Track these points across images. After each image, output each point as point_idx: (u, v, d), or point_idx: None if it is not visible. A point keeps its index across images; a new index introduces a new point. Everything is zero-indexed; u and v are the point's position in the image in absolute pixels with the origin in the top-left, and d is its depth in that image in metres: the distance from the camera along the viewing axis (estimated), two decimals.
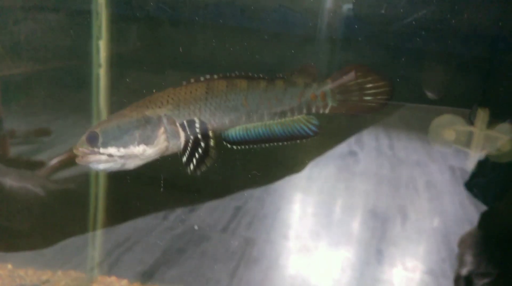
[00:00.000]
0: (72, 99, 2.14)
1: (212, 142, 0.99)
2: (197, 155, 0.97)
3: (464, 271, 1.79)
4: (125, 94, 1.85)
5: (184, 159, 0.98)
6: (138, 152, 0.95)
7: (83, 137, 0.94)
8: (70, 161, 2.45)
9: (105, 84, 1.69)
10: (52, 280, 1.76)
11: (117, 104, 1.83)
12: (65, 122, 2.63)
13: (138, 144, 0.95)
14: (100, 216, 1.87)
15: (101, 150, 0.93)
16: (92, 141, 0.93)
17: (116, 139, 0.94)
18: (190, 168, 0.97)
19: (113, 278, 1.82)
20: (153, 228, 2.19)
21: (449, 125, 1.55)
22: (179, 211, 2.30)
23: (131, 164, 0.98)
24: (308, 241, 2.27)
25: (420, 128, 3.48)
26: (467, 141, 1.64)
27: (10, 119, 2.25)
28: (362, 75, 1.10)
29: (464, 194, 2.63)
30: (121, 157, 0.94)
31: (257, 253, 2.13)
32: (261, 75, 1.08)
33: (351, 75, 1.09)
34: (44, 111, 2.31)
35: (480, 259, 1.80)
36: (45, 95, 2.07)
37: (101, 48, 1.65)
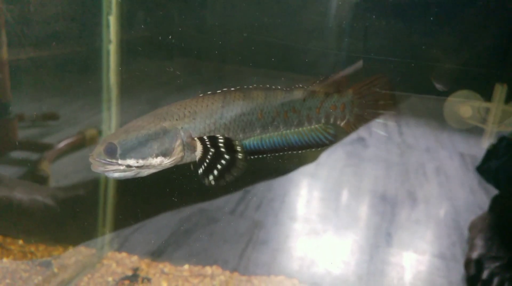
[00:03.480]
0: (81, 84, 2.14)
1: (240, 155, 0.99)
2: (219, 167, 0.97)
3: (475, 255, 1.78)
4: (135, 72, 1.84)
5: (201, 171, 0.97)
6: (156, 163, 0.96)
7: (100, 148, 0.94)
8: (78, 144, 2.46)
9: (115, 60, 1.67)
10: (63, 256, 1.77)
11: (127, 82, 1.82)
12: (73, 107, 2.62)
13: (156, 156, 0.96)
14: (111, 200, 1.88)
15: (120, 161, 0.94)
16: (110, 152, 0.94)
17: (135, 151, 0.94)
18: (208, 179, 0.97)
19: (123, 254, 1.83)
20: (162, 211, 2.19)
21: (465, 101, 1.52)
22: (189, 195, 2.30)
23: (145, 173, 0.99)
24: (317, 224, 2.27)
25: (429, 115, 3.46)
26: (484, 118, 1.61)
27: (19, 103, 2.25)
28: (380, 87, 1.09)
29: (474, 180, 2.62)
30: (138, 167, 0.96)
31: (265, 235, 2.13)
32: (279, 87, 1.06)
33: (373, 87, 1.08)
34: (52, 96, 2.31)
35: (491, 242, 1.79)
36: (53, 79, 2.07)
37: (111, 24, 1.64)
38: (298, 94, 1.07)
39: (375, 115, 1.10)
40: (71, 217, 1.87)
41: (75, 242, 1.84)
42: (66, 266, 1.73)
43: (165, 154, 0.96)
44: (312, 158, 2.54)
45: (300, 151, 1.09)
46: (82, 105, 2.37)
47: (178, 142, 0.98)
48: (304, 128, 1.09)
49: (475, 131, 2.93)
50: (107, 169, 0.94)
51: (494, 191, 2.14)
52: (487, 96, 1.54)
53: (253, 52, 1.38)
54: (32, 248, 1.80)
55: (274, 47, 1.51)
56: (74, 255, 1.78)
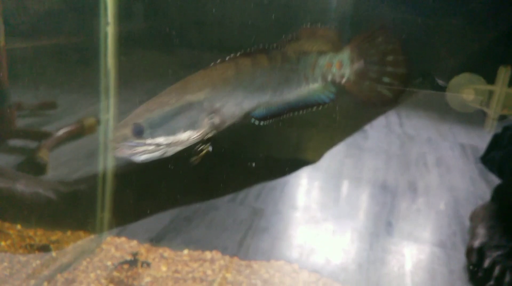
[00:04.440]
0: (79, 74, 2.12)
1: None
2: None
3: (477, 244, 1.77)
4: (133, 52, 1.82)
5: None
6: (184, 139, 0.94)
7: (125, 130, 0.90)
8: (77, 133, 2.45)
9: (112, 42, 1.64)
10: (61, 240, 1.76)
11: (126, 64, 1.79)
12: (71, 96, 2.61)
13: (185, 130, 0.93)
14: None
15: (149, 140, 0.91)
16: (138, 133, 0.90)
17: (163, 127, 0.91)
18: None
19: (122, 239, 1.82)
20: (162, 198, 2.18)
21: (468, 84, 1.51)
22: (189, 184, 2.29)
23: (172, 152, 0.96)
24: (317, 213, 2.26)
25: (430, 107, 3.45)
26: (486, 101, 1.59)
27: (17, 92, 2.23)
28: (384, 40, 1.01)
29: (475, 170, 2.61)
30: (167, 145, 0.93)
31: (265, 223, 2.12)
32: (272, 46, 1.04)
33: (375, 40, 1.01)
34: (50, 85, 2.29)
35: (493, 231, 1.78)
36: (52, 69, 2.05)
37: (109, 5, 1.61)
38: (291, 54, 1.04)
39: (383, 73, 1.02)
40: (71, 204, 1.86)
41: (74, 227, 1.83)
42: (65, 251, 1.71)
43: (193, 128, 0.94)
44: (314, 151, 2.54)
45: (302, 112, 1.06)
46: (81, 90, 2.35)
47: (204, 113, 0.95)
48: (304, 88, 1.07)
49: (476, 122, 2.92)
50: (135, 151, 0.91)
51: (495, 182, 2.13)
52: (491, 78, 1.52)
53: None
54: (31, 233, 1.79)
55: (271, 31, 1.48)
56: (73, 240, 1.76)
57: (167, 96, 0.95)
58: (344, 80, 1.05)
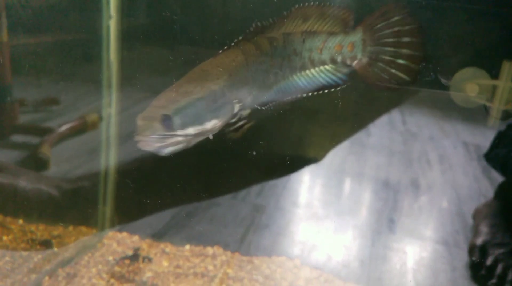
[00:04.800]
0: (83, 71, 2.11)
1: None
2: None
3: (479, 241, 1.76)
4: (136, 47, 1.81)
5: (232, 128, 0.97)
6: (211, 127, 0.92)
7: (153, 123, 0.87)
8: (79, 129, 2.45)
9: (115, 36, 1.64)
10: (63, 235, 1.76)
11: (129, 59, 1.79)
12: (75, 93, 2.60)
13: (211, 119, 0.91)
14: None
15: (179, 131, 0.88)
16: (168, 124, 0.87)
17: (192, 117, 0.89)
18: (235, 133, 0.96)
19: (124, 234, 1.82)
20: (164, 194, 2.18)
21: (472, 78, 1.49)
22: (191, 180, 2.29)
23: (195, 142, 0.95)
24: (318, 209, 2.26)
25: (433, 105, 3.43)
26: (490, 96, 1.58)
27: (20, 88, 2.23)
28: (400, 20, 0.95)
29: (477, 168, 2.60)
30: (195, 135, 0.91)
31: (266, 219, 2.11)
32: (271, 24, 1.02)
33: (390, 16, 0.95)
34: (53, 81, 2.29)
35: (496, 229, 1.78)
36: (55, 65, 2.05)
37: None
38: (297, 35, 1.02)
39: (398, 55, 0.96)
40: (73, 199, 1.86)
41: (76, 222, 1.83)
42: (67, 245, 1.72)
43: (217, 116, 0.92)
44: (317, 148, 2.53)
45: (311, 94, 1.03)
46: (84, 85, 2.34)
47: (226, 101, 0.94)
48: (312, 70, 1.03)
49: (479, 121, 2.90)
50: (165, 143, 0.88)
51: (499, 179, 2.12)
52: (495, 73, 1.50)
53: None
54: (32, 228, 1.79)
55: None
56: (75, 235, 1.76)
57: (189, 86, 0.92)
58: (356, 62, 1.01)
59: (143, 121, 0.88)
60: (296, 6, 1.01)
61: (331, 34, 1.01)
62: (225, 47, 0.98)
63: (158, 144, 0.88)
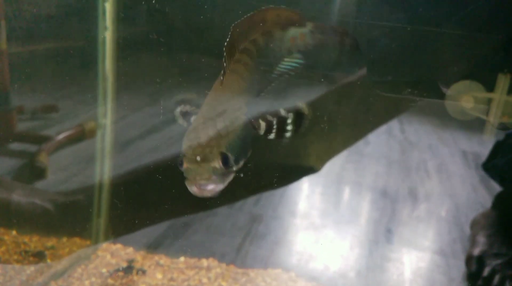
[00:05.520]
0: (81, 78, 2.12)
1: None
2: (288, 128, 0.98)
3: (477, 251, 1.75)
4: (133, 57, 1.81)
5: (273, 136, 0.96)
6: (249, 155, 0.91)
7: (213, 163, 0.80)
8: (77, 137, 2.44)
9: (111, 47, 1.64)
10: (56, 246, 1.74)
11: (126, 69, 1.79)
12: (72, 100, 2.61)
13: (249, 148, 0.90)
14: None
15: (235, 167, 0.84)
16: (227, 162, 0.81)
17: (242, 151, 0.86)
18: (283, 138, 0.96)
19: (118, 246, 1.80)
20: (160, 204, 2.17)
21: (467, 91, 1.49)
22: (187, 190, 2.28)
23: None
24: (316, 219, 2.24)
25: (431, 114, 3.43)
26: (486, 109, 1.58)
27: (18, 95, 2.23)
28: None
29: (476, 177, 2.59)
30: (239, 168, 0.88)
31: (264, 229, 2.10)
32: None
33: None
34: (52, 89, 2.29)
35: (494, 240, 1.76)
36: (54, 73, 2.05)
37: (108, 10, 1.61)
38: (260, 40, 1.09)
39: (336, 41, 1.28)
40: (68, 211, 1.85)
41: (70, 233, 1.82)
42: (60, 257, 1.70)
43: (249, 144, 0.90)
44: (315, 156, 2.51)
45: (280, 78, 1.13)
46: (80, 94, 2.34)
47: (249, 127, 0.92)
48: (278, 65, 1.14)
49: (477, 129, 2.90)
50: (226, 181, 0.83)
51: (496, 189, 2.11)
52: (490, 86, 1.51)
53: None
54: (26, 239, 1.78)
55: None
56: (69, 246, 1.75)
57: (219, 119, 0.87)
58: (308, 47, 1.20)
59: (195, 165, 0.80)
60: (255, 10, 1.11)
61: (286, 30, 1.16)
62: (221, 73, 0.95)
63: (221, 185, 0.82)
